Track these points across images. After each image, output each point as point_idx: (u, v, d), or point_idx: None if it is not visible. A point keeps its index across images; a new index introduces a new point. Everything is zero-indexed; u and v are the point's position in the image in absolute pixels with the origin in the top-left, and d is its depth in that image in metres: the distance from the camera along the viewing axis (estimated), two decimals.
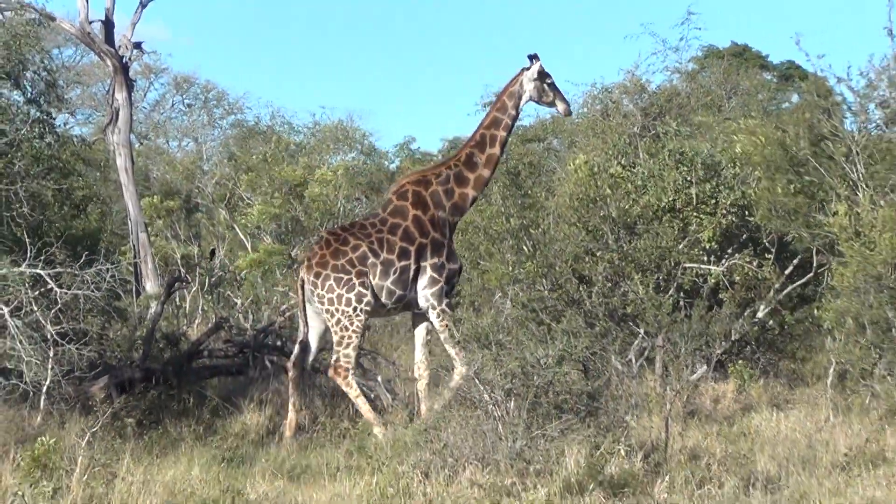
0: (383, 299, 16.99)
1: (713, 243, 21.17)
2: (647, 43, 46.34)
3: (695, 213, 21.19)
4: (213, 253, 21.89)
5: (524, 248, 21.91)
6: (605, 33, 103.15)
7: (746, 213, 21.37)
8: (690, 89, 29.87)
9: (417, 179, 17.66)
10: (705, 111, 27.71)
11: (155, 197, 29.16)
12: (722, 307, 19.83)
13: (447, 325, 16.84)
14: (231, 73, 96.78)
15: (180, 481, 13.98)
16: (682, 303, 20.59)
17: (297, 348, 17.33)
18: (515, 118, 17.77)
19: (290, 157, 30.08)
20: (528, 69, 17.62)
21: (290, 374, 17.04)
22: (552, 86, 17.75)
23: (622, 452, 13.61)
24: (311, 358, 17.57)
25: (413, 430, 14.11)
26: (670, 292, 20.48)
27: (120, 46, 25.25)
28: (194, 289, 25.47)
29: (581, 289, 20.27)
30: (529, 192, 23.05)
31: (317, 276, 16.87)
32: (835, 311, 19.29)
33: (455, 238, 21.60)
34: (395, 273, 17.01)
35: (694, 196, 21.23)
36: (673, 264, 20.70)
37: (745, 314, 20.50)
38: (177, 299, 25.36)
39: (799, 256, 21.21)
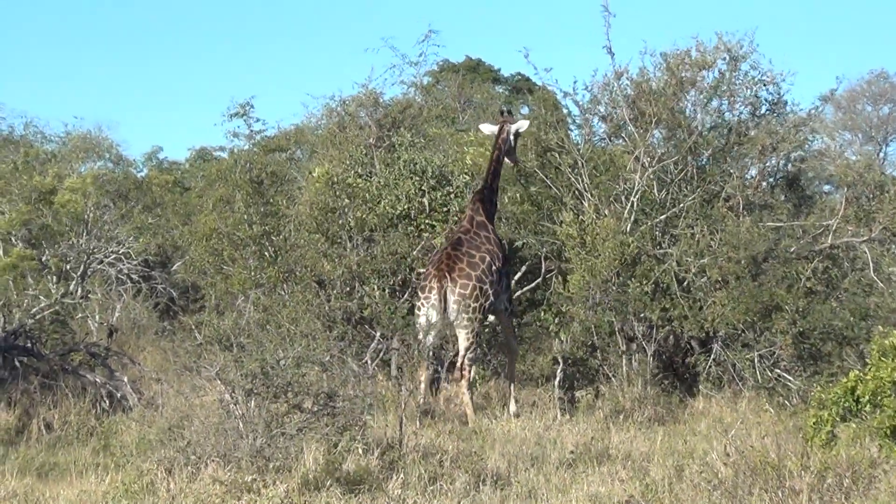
0: (501, 304, 18.60)
1: None
2: (386, 56, 46.57)
3: (428, 221, 21.72)
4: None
5: (266, 254, 22.26)
6: (348, 47, 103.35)
7: None
8: (425, 102, 30.35)
9: (477, 198, 19.40)
10: (440, 123, 28.26)
11: None
12: None
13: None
14: None
15: None
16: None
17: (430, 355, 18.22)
18: (503, 160, 19.74)
19: (41, 166, 29.72)
20: (510, 123, 19.68)
21: (424, 375, 18.10)
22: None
23: (359, 450, 13.78)
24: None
25: (157, 428, 14.20)
26: (405, 297, 20.97)
27: None
28: None
29: (320, 293, 20.65)
30: (271, 200, 23.33)
31: (463, 287, 18.06)
32: (561, 316, 20.05)
33: (202, 244, 22.30)
34: (505, 278, 18.81)
35: (427, 204, 21.81)
36: (407, 270, 21.20)
37: None
38: None
39: (528, 262, 21.92)
